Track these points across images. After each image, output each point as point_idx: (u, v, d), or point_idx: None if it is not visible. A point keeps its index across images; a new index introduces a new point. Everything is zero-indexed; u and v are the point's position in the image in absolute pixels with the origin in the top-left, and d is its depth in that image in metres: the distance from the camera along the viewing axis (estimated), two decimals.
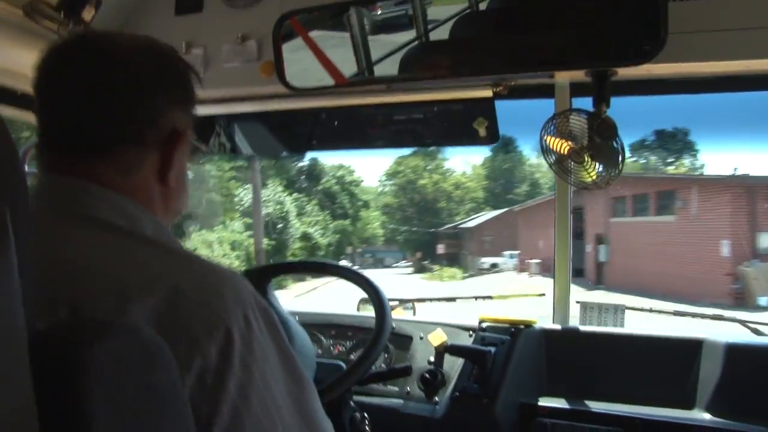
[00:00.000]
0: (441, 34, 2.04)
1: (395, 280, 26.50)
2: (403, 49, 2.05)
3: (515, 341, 2.05)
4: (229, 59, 2.12)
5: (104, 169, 0.95)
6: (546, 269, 27.65)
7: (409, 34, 2.09)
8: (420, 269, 36.60)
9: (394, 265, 39.88)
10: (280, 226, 28.55)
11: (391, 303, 2.16)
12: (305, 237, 30.98)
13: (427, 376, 2.04)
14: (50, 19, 1.79)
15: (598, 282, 23.03)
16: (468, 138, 2.17)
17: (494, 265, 32.61)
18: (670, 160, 31.23)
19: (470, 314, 2.24)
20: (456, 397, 1.99)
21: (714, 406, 1.86)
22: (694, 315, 2.37)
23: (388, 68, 2.07)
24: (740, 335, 2.10)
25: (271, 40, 2.01)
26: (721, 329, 2.28)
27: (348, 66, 2.08)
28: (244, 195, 28.10)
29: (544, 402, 2.01)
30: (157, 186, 1.02)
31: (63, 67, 0.96)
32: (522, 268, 28.00)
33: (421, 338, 2.14)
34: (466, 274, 32.16)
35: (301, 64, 2.07)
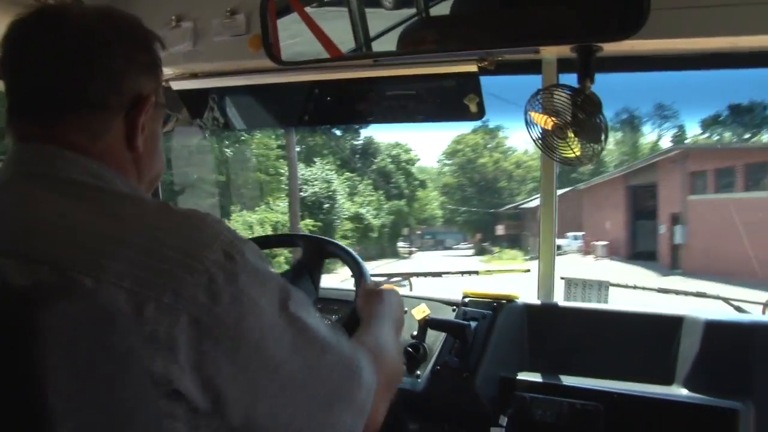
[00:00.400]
0: (441, 10, 2.25)
1: (455, 263, 26.44)
2: (400, 26, 2.26)
3: (497, 316, 2.25)
4: (218, 33, 2.32)
5: (70, 134, 1.08)
6: (614, 252, 26.99)
7: (408, 10, 2.30)
8: (480, 251, 38.18)
9: (455, 246, 42.02)
10: (326, 206, 28.82)
11: (380, 279, 2.39)
12: (357, 218, 31.78)
13: (410, 350, 2.27)
14: None
15: (674, 266, 22.53)
16: (458, 113, 2.36)
17: (557, 248, 31.22)
18: (746, 136, 30.21)
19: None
20: (437, 371, 2.20)
21: (692, 381, 2.04)
22: (677, 292, 2.57)
23: (384, 45, 2.27)
24: (722, 312, 2.28)
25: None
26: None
27: (337, 40, 2.29)
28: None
29: (525, 376, 2.21)
30: (127, 152, 1.15)
31: (22, 39, 1.10)
32: (587, 250, 27.44)
33: (405, 312, 2.36)
34: (527, 257, 32.07)
35: (291, 37, 2.28)
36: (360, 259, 2.00)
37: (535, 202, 34.12)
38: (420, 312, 2.24)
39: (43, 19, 1.11)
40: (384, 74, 2.33)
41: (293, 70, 2.36)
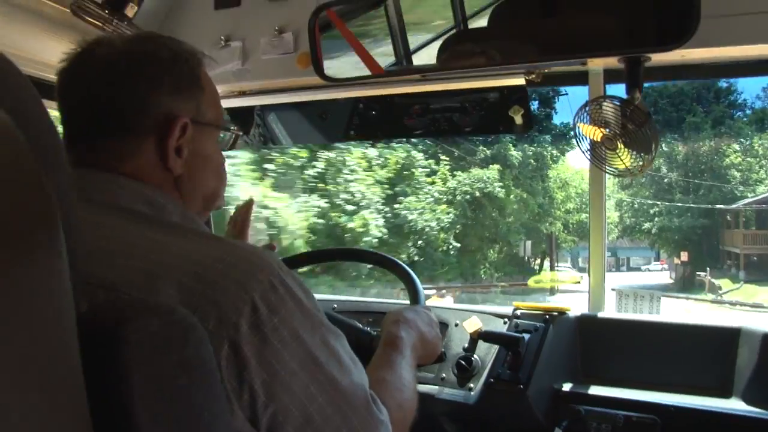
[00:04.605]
0: (479, 22, 2.17)
1: None
2: (439, 39, 2.19)
3: (549, 328, 2.14)
4: (266, 51, 2.27)
5: (103, 158, 1.10)
6: None
7: (446, 23, 2.23)
8: (686, 283, 22.33)
9: (644, 267, 28.71)
10: None
11: (429, 291, 2.28)
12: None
13: (462, 362, 2.16)
14: (96, 17, 1.98)
15: None
16: (504, 126, 2.27)
17: None
18: None
19: None
20: (490, 384, 2.08)
21: (751, 395, 1.92)
22: (733, 304, 2.43)
23: (424, 58, 2.21)
24: None
25: (306, 31, 2.12)
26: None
27: (384, 56, 2.21)
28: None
29: (578, 389, 2.10)
30: (164, 173, 1.13)
31: (64, 72, 1.14)
32: None
33: (456, 325, 2.25)
34: None
35: (337, 54, 2.21)
36: (417, 280, 1.92)
37: None
38: (472, 325, 2.14)
39: (81, 53, 1.14)
40: (432, 89, 2.25)
41: (340, 87, 2.29)
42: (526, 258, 23.30)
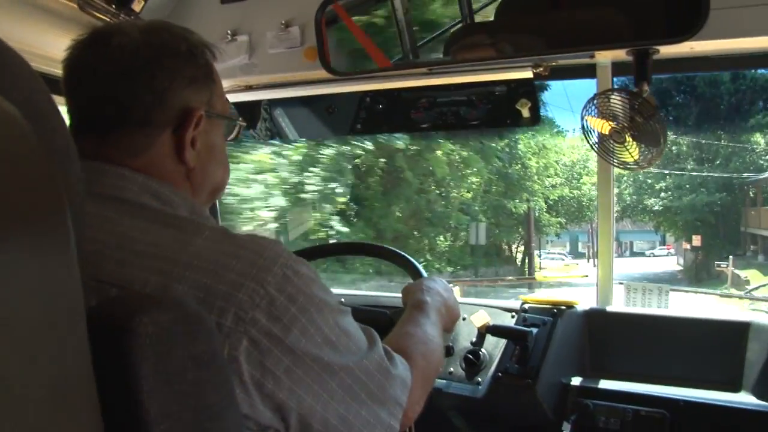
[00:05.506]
0: (485, 16, 2.15)
1: None
2: (445, 33, 2.17)
3: (557, 322, 2.12)
4: (273, 45, 2.24)
5: (114, 150, 1.06)
6: None
7: (452, 17, 2.21)
8: (698, 272, 18.70)
9: (648, 252, 26.01)
10: None
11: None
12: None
13: (470, 356, 2.14)
14: (103, 12, 1.97)
15: None
16: (511, 119, 2.25)
17: None
18: None
19: None
20: (498, 378, 2.07)
21: (760, 389, 1.91)
22: (741, 297, 2.41)
23: (430, 51, 2.19)
24: None
25: (313, 25, 2.11)
26: None
27: (390, 50, 2.20)
28: None
29: (586, 383, 2.09)
30: (177, 166, 1.11)
31: (75, 61, 1.09)
32: None
33: (464, 319, 2.23)
34: None
35: (344, 48, 2.20)
36: (411, 258, 1.90)
37: None
38: (480, 319, 2.13)
39: (93, 41, 1.09)
40: (439, 82, 2.23)
41: (347, 81, 2.27)
42: (503, 247, 20.01)
